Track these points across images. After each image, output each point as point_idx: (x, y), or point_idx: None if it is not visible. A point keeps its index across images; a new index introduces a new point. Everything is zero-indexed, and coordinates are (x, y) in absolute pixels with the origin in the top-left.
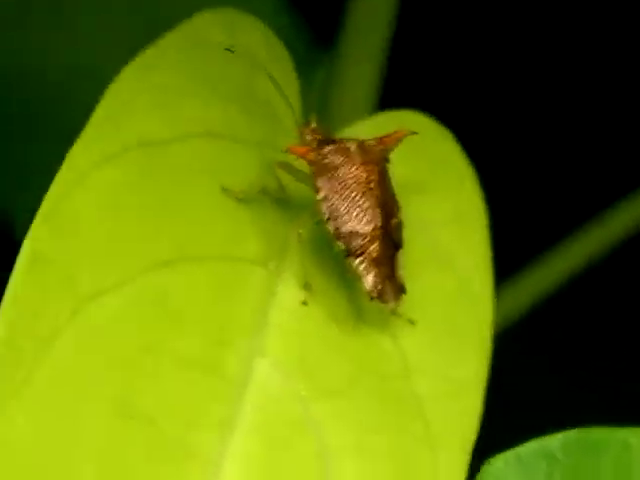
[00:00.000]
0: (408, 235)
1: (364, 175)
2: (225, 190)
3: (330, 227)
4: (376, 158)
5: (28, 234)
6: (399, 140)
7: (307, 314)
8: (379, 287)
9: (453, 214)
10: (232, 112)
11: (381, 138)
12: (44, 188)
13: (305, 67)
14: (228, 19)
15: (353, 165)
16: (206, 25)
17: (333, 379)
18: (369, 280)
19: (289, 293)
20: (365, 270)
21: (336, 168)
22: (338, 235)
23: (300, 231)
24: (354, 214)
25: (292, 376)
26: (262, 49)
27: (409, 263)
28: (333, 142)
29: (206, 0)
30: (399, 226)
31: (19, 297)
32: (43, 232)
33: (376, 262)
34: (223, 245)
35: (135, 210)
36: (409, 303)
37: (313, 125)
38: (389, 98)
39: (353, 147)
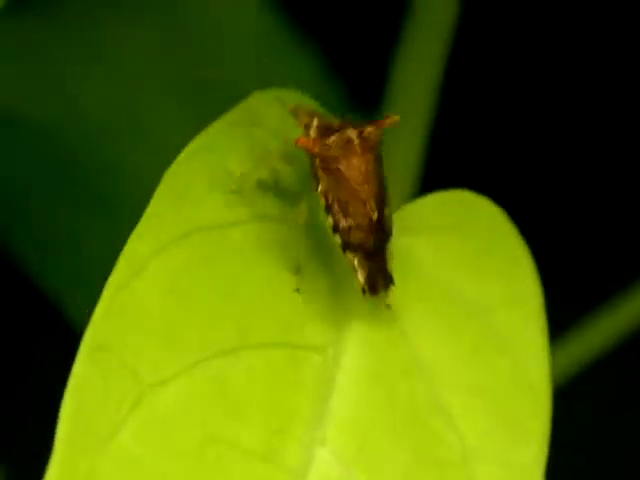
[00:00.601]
0: (464, 316)
1: (363, 166)
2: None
3: (329, 220)
4: (373, 144)
5: (89, 324)
6: (393, 123)
7: (366, 402)
8: (371, 281)
9: (508, 296)
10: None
11: (377, 122)
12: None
13: None
14: (282, 99)
15: (354, 156)
16: (262, 106)
17: (393, 468)
18: (363, 275)
19: (347, 380)
20: (360, 264)
21: (338, 160)
22: (336, 228)
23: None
24: (353, 208)
25: (351, 466)
26: None
27: (465, 344)
28: (333, 129)
29: (244, 63)
30: (390, 216)
31: (81, 389)
32: (104, 322)
33: (370, 256)
34: (282, 331)
35: (195, 296)
36: (465, 383)
37: (308, 105)
38: (428, 176)
39: (354, 136)
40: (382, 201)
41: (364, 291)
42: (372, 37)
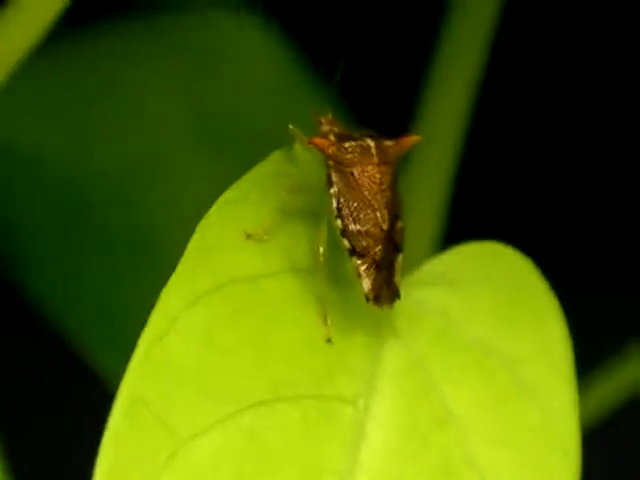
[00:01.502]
0: (493, 367)
1: (378, 176)
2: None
3: (338, 224)
4: (391, 159)
5: (124, 378)
6: (415, 142)
7: (397, 453)
8: (376, 291)
9: (537, 348)
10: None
11: (397, 140)
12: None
13: None
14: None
15: (370, 164)
16: (293, 156)
17: None
18: (368, 283)
19: (379, 431)
20: (366, 272)
21: (353, 165)
22: (345, 233)
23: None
24: (363, 214)
25: None
26: None
27: (494, 395)
28: (352, 138)
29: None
30: (402, 230)
31: (117, 443)
32: (139, 376)
33: (377, 265)
34: (314, 383)
35: (229, 349)
36: (494, 434)
37: (329, 115)
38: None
39: (372, 145)
40: (394, 214)
41: (367, 299)
42: (395, 85)
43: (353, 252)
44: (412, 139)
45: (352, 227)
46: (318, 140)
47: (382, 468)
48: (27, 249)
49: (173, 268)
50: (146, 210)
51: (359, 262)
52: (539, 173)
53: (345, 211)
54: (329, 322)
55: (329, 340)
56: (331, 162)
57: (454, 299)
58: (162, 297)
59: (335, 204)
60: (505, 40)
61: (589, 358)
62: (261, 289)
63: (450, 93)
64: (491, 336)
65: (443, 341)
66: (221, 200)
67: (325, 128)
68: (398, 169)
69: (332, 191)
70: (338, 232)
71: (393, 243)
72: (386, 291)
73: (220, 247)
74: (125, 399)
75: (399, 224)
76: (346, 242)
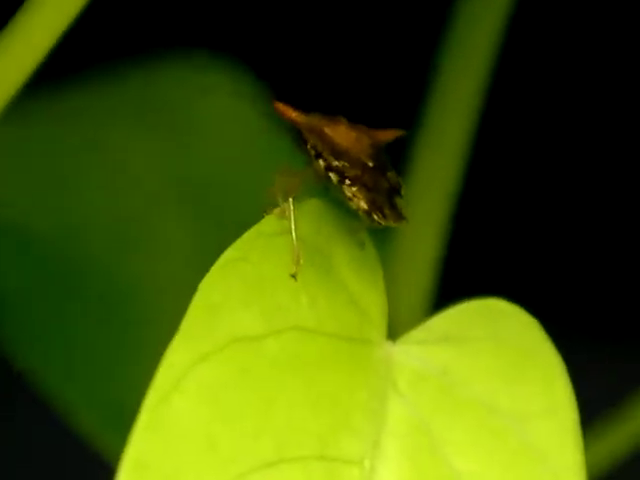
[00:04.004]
0: (499, 426)
1: (353, 134)
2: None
3: (321, 163)
4: (371, 139)
5: (129, 441)
6: (392, 136)
7: None
8: (378, 207)
9: (543, 406)
10: (321, 305)
11: (370, 130)
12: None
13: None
14: (314, 211)
15: (345, 129)
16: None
17: None
18: (365, 201)
19: None
20: (359, 192)
21: (324, 126)
22: (330, 168)
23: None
24: (345, 156)
25: None
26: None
27: (501, 455)
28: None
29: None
30: (396, 177)
31: None
32: (143, 439)
33: (370, 189)
34: (319, 444)
35: (233, 410)
36: None
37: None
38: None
39: (344, 121)
40: (385, 176)
41: (369, 215)
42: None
43: (342, 180)
44: (391, 133)
45: (336, 163)
46: (281, 106)
47: None
48: (13, 318)
49: (159, 330)
50: (128, 274)
51: (351, 188)
52: (531, 229)
53: (325, 154)
54: (301, 262)
55: (293, 275)
56: (301, 126)
57: (458, 357)
58: (165, 357)
59: (313, 152)
60: (507, 69)
61: (591, 411)
62: (264, 349)
63: (442, 151)
64: (497, 395)
65: (447, 400)
66: (223, 258)
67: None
68: (382, 151)
69: (308, 145)
70: (323, 170)
71: (384, 175)
72: (389, 210)
73: (223, 306)
74: (130, 461)
75: (390, 173)
76: (333, 175)
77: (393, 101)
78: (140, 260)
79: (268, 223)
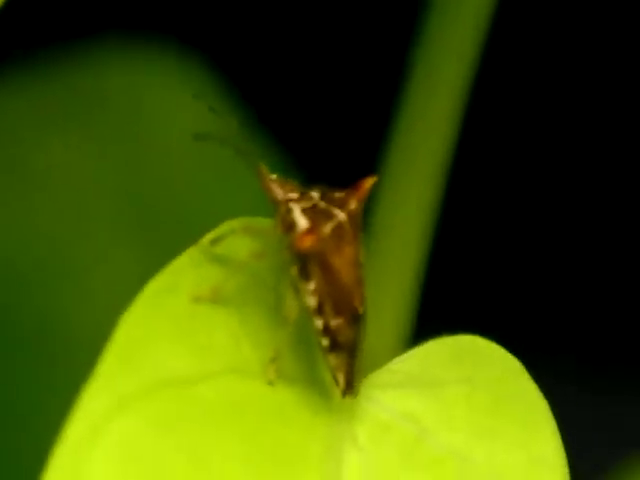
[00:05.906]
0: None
1: (352, 253)
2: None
3: (318, 322)
4: (357, 222)
5: None
6: (372, 184)
7: None
8: (350, 384)
9: (526, 461)
10: (264, 344)
11: (357, 190)
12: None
13: None
14: (251, 228)
15: (345, 244)
16: (229, 237)
17: None
18: (343, 378)
19: None
20: (340, 367)
21: (331, 252)
22: (326, 331)
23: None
24: (342, 304)
25: None
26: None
27: None
28: (323, 213)
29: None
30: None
31: None
32: None
33: (349, 354)
34: None
35: (159, 465)
36: None
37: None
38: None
39: (344, 218)
40: (362, 286)
41: (344, 394)
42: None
43: (333, 348)
44: (368, 182)
45: (333, 323)
46: (308, 237)
47: None
48: None
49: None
50: (61, 302)
51: (335, 357)
52: (512, 258)
53: (326, 308)
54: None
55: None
56: (311, 255)
57: (427, 403)
58: (79, 405)
59: (315, 302)
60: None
61: (585, 473)
62: (196, 395)
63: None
64: (473, 447)
65: (414, 453)
66: (148, 289)
67: (281, 192)
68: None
69: (310, 287)
70: (318, 330)
71: (363, 322)
72: (356, 381)
73: (146, 344)
74: None
75: (365, 295)
76: (326, 340)
77: (366, 100)
78: (72, 286)
79: (197, 250)
